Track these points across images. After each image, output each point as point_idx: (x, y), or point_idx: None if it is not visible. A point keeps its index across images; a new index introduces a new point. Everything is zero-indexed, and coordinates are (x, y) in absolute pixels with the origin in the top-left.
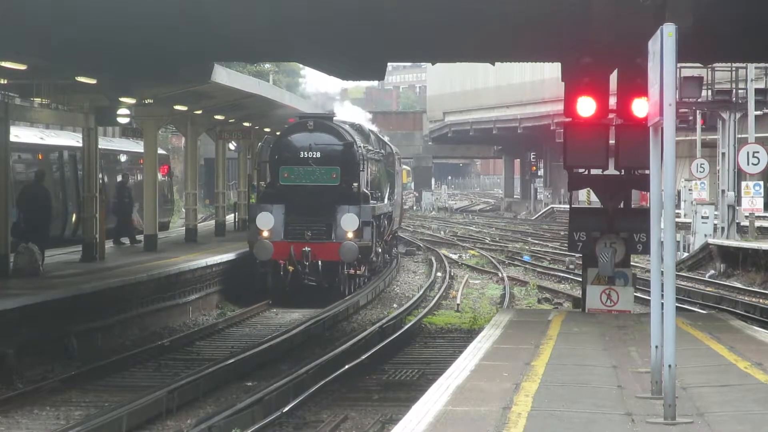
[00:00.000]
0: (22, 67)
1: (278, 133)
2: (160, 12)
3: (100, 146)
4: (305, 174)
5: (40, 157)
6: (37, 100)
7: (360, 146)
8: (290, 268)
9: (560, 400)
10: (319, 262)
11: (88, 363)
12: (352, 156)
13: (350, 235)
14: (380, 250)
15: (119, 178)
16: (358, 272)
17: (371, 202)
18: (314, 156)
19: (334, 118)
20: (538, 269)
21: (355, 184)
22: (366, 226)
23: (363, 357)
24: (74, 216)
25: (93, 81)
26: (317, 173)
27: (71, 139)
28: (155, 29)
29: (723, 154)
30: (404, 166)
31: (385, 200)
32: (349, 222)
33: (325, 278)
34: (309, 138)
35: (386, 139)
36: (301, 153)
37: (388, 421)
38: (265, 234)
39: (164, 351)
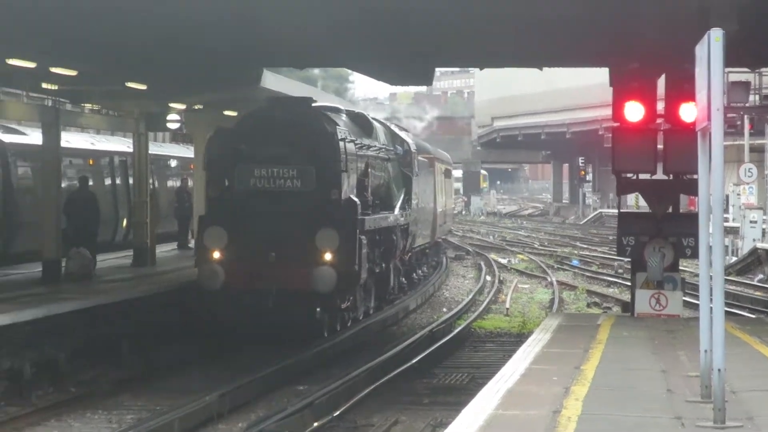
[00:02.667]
0: (73, 73)
1: (235, 123)
2: (210, 19)
3: (150, 151)
4: (269, 176)
5: (90, 163)
6: (88, 105)
7: (345, 140)
8: (249, 300)
9: (610, 404)
10: (286, 293)
11: (139, 367)
12: (332, 153)
13: (328, 256)
14: (392, 275)
15: (179, 183)
16: (339, 305)
17: (366, 212)
18: (282, 152)
19: (315, 104)
20: (587, 273)
21: (336, 190)
22: (349, 244)
23: (413, 361)
24: (125, 221)
25: (143, 87)
26: (286, 175)
27: (121, 144)
28: (205, 36)
29: None
30: (454, 171)
31: (396, 210)
32: (325, 240)
33: (294, 315)
34: (276, 128)
35: (406, 135)
36: (265, 148)
37: (439, 425)
38: (216, 255)
39: (215, 354)
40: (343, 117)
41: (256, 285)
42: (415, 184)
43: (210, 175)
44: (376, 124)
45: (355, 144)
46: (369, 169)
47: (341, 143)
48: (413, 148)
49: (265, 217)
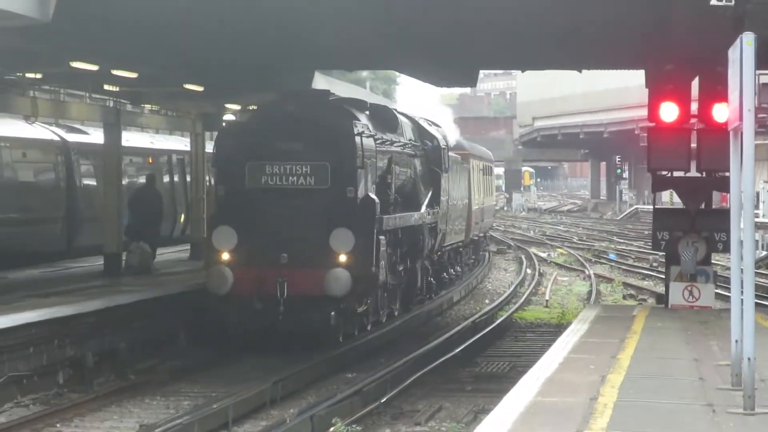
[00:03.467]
0: (133, 75)
1: (246, 117)
2: (265, 25)
3: (207, 150)
4: (281, 173)
5: (150, 161)
6: (147, 106)
7: (362, 135)
8: (258, 305)
9: (645, 392)
10: (298, 297)
11: (196, 356)
12: (348, 148)
13: (343, 258)
14: (419, 275)
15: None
16: (355, 310)
17: (386, 211)
18: (295, 148)
19: (334, 98)
20: (623, 267)
21: (352, 188)
22: (366, 245)
23: (456, 350)
24: (182, 216)
25: (200, 88)
26: (298, 172)
27: (179, 143)
28: (260, 39)
29: None
30: (496, 168)
31: (423, 208)
32: (340, 240)
33: (307, 320)
34: (288, 123)
35: (437, 130)
36: (277, 144)
37: (481, 411)
38: (225, 257)
39: (268, 344)
40: (366, 111)
41: (267, 289)
42: (445, 181)
43: (219, 173)
44: (402, 118)
45: (375, 139)
46: (392, 166)
47: (358, 138)
48: (443, 144)
49: (277, 217)
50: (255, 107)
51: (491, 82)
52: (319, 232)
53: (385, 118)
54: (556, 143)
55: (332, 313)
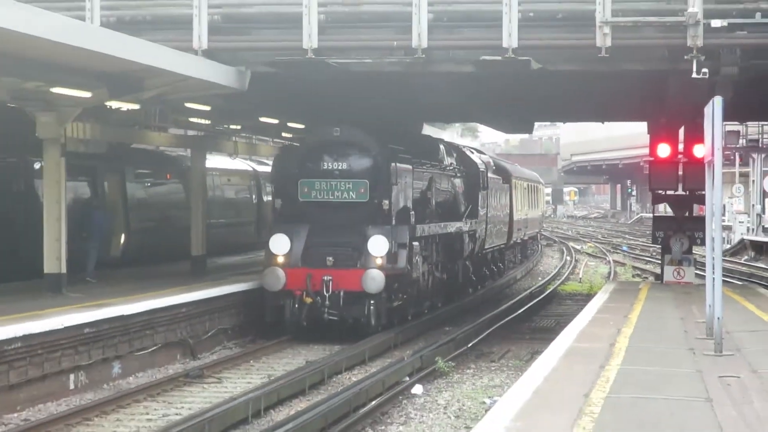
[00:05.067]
0: (301, 126)
1: (300, 143)
2: (393, 95)
3: None
4: (328, 189)
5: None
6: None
7: (396, 157)
8: (307, 299)
9: (647, 340)
10: (341, 293)
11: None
12: (383, 168)
13: (379, 261)
14: (460, 272)
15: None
16: (389, 304)
17: (422, 221)
18: (340, 167)
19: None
20: (633, 255)
21: (386, 201)
22: (401, 249)
23: (519, 311)
24: None
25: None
26: (342, 188)
27: None
28: (389, 103)
29: (753, 180)
30: (546, 189)
31: (462, 219)
32: (376, 245)
33: (348, 311)
34: (335, 147)
35: (478, 156)
36: (325, 164)
37: (536, 353)
38: (280, 260)
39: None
40: (405, 139)
41: (314, 286)
42: (483, 197)
43: (276, 189)
44: (443, 146)
45: (413, 161)
46: (432, 184)
47: (392, 159)
48: (482, 167)
49: (324, 226)
50: (309, 135)
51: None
52: (359, 238)
53: (426, 146)
54: (586, 171)
55: (371, 306)
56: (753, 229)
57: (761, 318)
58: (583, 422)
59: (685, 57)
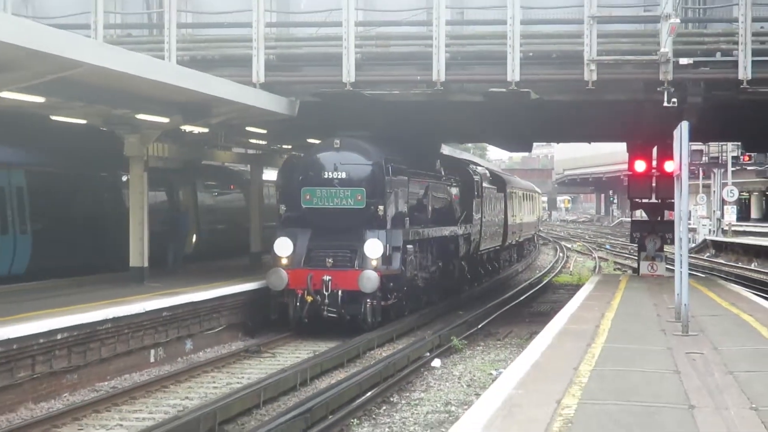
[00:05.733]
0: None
1: (302, 154)
2: (413, 116)
3: None
4: (328, 196)
5: None
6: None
7: (390, 167)
8: (308, 298)
9: (626, 322)
10: (339, 292)
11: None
12: (378, 177)
13: (374, 262)
14: (456, 271)
15: None
16: (384, 303)
17: (416, 225)
18: (339, 177)
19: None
20: (614, 252)
21: (381, 207)
22: (396, 252)
23: (520, 298)
24: None
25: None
26: (341, 195)
27: None
28: (408, 123)
29: (713, 191)
30: (542, 198)
31: (457, 223)
32: (372, 248)
33: (346, 309)
34: (335, 157)
35: (474, 168)
36: (325, 173)
37: (534, 333)
38: (284, 261)
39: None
40: (404, 151)
41: (315, 286)
42: (477, 204)
43: (281, 196)
44: (438, 159)
45: (407, 172)
46: (428, 192)
47: (389, 170)
48: (476, 178)
49: (325, 230)
50: (312, 147)
51: (540, 149)
52: (356, 241)
53: (423, 159)
54: (576, 183)
55: (367, 305)
56: (714, 231)
57: (721, 305)
58: (573, 390)
59: (658, 89)
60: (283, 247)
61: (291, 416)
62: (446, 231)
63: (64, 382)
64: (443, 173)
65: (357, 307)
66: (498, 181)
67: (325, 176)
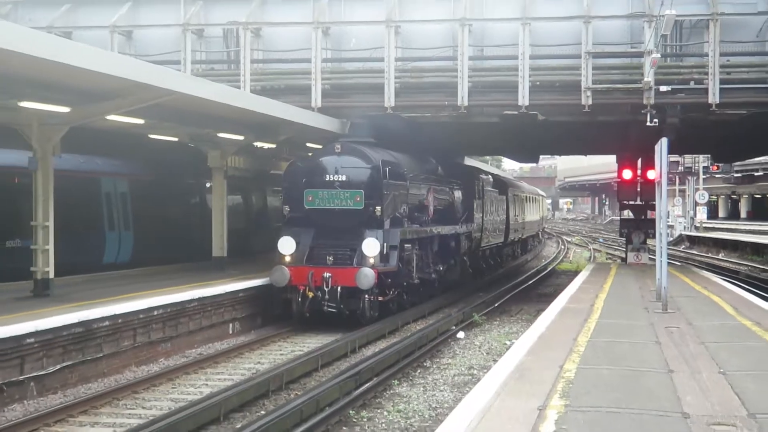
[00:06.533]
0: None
1: (306, 157)
2: (441, 133)
3: None
4: (329, 197)
5: None
6: None
7: (388, 170)
8: (309, 293)
9: (616, 302)
10: (339, 288)
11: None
12: (376, 179)
13: (372, 260)
14: (458, 266)
15: None
16: (381, 298)
17: (413, 225)
18: (340, 179)
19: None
20: (606, 244)
21: (379, 208)
22: (393, 250)
23: (529, 282)
24: None
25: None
26: (341, 196)
27: None
28: (437, 139)
29: (688, 195)
30: (546, 200)
31: (459, 222)
32: (369, 247)
33: (345, 304)
34: (336, 161)
35: (476, 173)
36: (327, 176)
37: (540, 310)
38: (287, 259)
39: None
40: (406, 157)
41: (316, 282)
42: (478, 205)
43: (285, 197)
44: (440, 165)
45: (407, 176)
46: (429, 193)
47: (386, 173)
48: (477, 182)
49: (326, 229)
50: (316, 152)
51: (545, 160)
52: (355, 240)
53: (425, 164)
54: (575, 188)
55: (366, 300)
56: (688, 228)
57: (694, 288)
58: (573, 357)
59: (642, 111)
60: (287, 245)
61: (344, 377)
62: (447, 229)
63: (160, 349)
64: (445, 177)
65: (356, 303)
66: (500, 185)
67: (327, 179)
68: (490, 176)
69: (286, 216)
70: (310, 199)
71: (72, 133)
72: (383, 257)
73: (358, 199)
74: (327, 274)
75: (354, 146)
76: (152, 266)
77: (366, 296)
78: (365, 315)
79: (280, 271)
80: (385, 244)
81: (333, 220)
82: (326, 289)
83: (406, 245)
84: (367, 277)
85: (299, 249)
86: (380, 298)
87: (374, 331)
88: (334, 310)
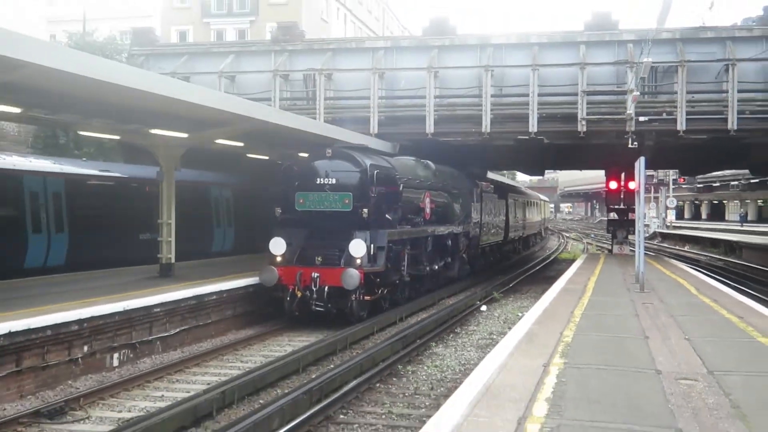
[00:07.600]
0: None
1: (298, 161)
2: (469, 153)
3: None
4: (319, 200)
5: None
6: None
7: (376, 174)
8: (298, 293)
9: (604, 284)
10: (326, 288)
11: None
12: (364, 183)
13: (358, 261)
14: (456, 264)
15: None
16: (367, 298)
17: (404, 226)
18: (330, 182)
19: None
20: (597, 239)
21: (366, 210)
22: (380, 251)
23: (537, 268)
24: None
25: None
26: (331, 199)
27: None
28: (466, 157)
29: (661, 201)
30: (549, 205)
31: (455, 223)
32: (356, 248)
33: (333, 304)
34: (327, 165)
35: (475, 180)
36: (318, 179)
37: (545, 289)
38: (278, 259)
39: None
40: (403, 161)
41: (304, 282)
42: (475, 208)
43: (278, 199)
44: (439, 168)
45: (399, 180)
46: (425, 196)
47: (373, 177)
48: (475, 187)
49: (315, 231)
50: (308, 156)
51: (549, 174)
52: (343, 241)
53: (422, 171)
54: (572, 195)
55: (353, 299)
56: (660, 226)
57: (665, 273)
58: (570, 326)
59: (625, 136)
60: (277, 246)
61: (394, 339)
62: (443, 229)
63: (254, 318)
64: (441, 182)
65: (344, 302)
66: (500, 190)
67: (318, 182)
68: (491, 183)
69: (279, 217)
70: (302, 201)
71: (190, 153)
72: (370, 258)
73: (347, 201)
74: (315, 274)
75: (345, 151)
76: (249, 254)
77: (353, 296)
78: (354, 314)
79: (268, 271)
80: (372, 245)
81: (323, 221)
82: (314, 289)
83: (395, 246)
84: (351, 277)
85: (290, 249)
86: (367, 298)
87: (417, 303)
88: (321, 310)
